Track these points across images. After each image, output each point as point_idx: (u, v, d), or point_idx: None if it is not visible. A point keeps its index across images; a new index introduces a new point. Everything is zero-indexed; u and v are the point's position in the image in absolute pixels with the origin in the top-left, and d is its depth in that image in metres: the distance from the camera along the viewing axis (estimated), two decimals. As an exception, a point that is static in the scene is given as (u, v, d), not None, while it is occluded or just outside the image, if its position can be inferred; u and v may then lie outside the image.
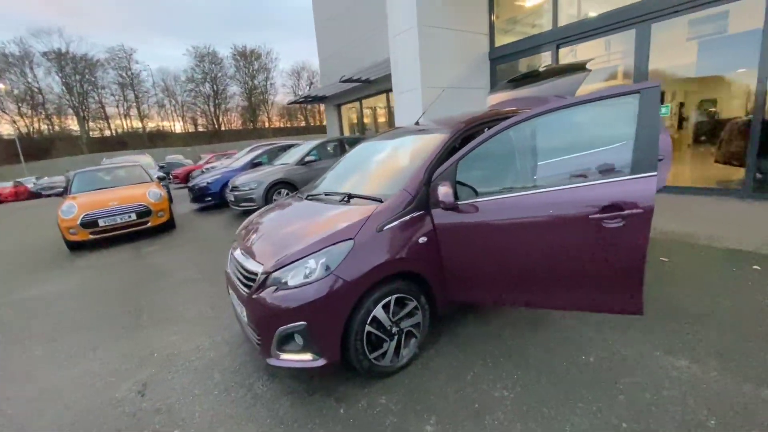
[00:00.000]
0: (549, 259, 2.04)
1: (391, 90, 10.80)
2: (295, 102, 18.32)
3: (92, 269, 5.06)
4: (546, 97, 3.73)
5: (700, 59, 5.65)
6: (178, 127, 52.24)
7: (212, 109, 52.38)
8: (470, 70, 7.53)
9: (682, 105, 6.40)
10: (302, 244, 2.08)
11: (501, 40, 7.64)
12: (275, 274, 2.04)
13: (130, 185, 7.12)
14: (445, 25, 6.92)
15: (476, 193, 2.20)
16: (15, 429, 2.12)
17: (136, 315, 3.45)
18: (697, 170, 6.26)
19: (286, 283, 1.99)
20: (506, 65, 7.67)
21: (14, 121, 39.69)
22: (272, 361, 2.06)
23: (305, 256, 2.01)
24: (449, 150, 2.46)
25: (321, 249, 2.01)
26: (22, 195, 21.85)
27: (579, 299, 2.06)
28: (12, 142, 33.26)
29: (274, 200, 7.02)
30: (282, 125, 55.89)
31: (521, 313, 2.76)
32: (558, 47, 6.72)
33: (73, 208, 5.92)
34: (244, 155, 10.74)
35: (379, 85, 11.13)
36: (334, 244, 2.02)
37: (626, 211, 1.81)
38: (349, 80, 10.67)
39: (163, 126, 51.01)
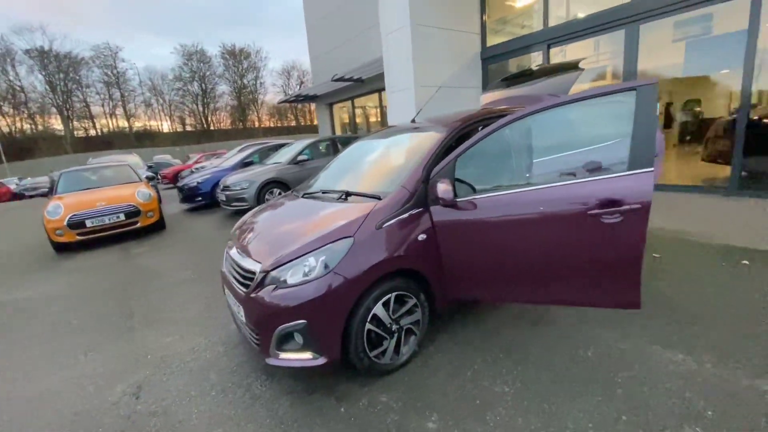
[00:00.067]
0: (548, 255, 2.06)
1: (382, 89, 10.82)
2: (285, 101, 18.18)
3: (80, 271, 4.94)
4: (539, 95, 3.76)
5: (687, 60, 5.77)
6: (165, 126, 51.55)
7: (201, 109, 51.80)
8: (462, 70, 7.57)
9: (669, 105, 6.53)
10: (301, 242, 2.06)
11: (492, 40, 7.69)
12: (274, 273, 2.01)
13: (118, 185, 6.97)
14: (437, 24, 6.94)
15: (474, 191, 2.21)
16: (4, 435, 2.06)
17: (128, 317, 3.38)
18: (684, 169, 6.39)
19: (285, 281, 1.97)
20: (498, 65, 7.72)
21: (-5, 121, 38.65)
22: (271, 361, 2.03)
23: (304, 254, 1.99)
24: (446, 148, 2.46)
25: (321, 247, 1.99)
26: (4, 196, 21.22)
27: (578, 294, 2.08)
28: (-7, 142, 32.34)
29: (267, 200, 6.96)
30: (272, 125, 55.51)
31: (519, 310, 2.77)
32: (549, 47, 6.79)
33: (59, 209, 5.78)
34: (234, 155, 10.62)
35: (371, 84, 11.11)
36: (333, 241, 2.00)
37: (624, 207, 1.83)
38: (341, 79, 10.63)
39: (150, 125, 50.27)
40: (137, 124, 48.95)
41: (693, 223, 4.16)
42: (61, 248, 5.98)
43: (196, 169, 12.23)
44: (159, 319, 3.28)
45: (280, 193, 7.12)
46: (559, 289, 2.10)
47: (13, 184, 22.98)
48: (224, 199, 7.33)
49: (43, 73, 40.00)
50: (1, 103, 39.02)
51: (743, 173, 5.08)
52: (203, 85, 50.79)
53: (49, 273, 5.02)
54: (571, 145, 2.10)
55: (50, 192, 6.90)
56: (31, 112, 40.80)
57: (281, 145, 9.39)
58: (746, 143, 4.92)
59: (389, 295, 2.10)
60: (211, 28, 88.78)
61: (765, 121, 4.97)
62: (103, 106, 45.65)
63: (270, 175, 7.22)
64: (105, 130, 46.52)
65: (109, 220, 6.01)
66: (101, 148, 36.64)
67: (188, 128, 51.45)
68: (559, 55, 6.84)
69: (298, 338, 1.96)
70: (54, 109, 41.91)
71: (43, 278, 4.81)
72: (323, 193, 2.77)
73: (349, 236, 2.02)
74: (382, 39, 7.28)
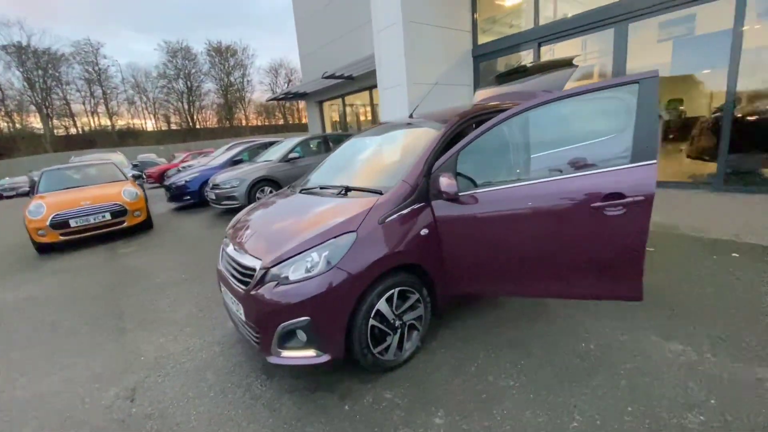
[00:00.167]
0: (551, 249, 2.06)
1: (373, 87, 10.78)
2: (274, 98, 17.94)
3: (66, 272, 4.78)
4: (534, 92, 3.78)
5: (674, 59, 5.88)
6: (149, 125, 50.37)
7: (186, 107, 50.74)
8: (454, 67, 7.58)
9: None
10: (302, 238, 2.01)
11: (484, 38, 7.72)
12: (274, 269, 1.96)
13: (103, 184, 6.78)
14: (429, 22, 6.92)
15: (475, 185, 2.20)
16: (-10, 442, 1.97)
17: (118, 318, 3.28)
18: (672, 165, 6.52)
19: (287, 277, 1.92)
20: (489, 63, 7.76)
21: (-30, 119, 37.23)
22: (273, 359, 1.98)
23: (306, 250, 1.95)
24: (447, 142, 2.44)
25: (323, 242, 1.95)
26: (-21, 197, 20.50)
27: (582, 287, 2.09)
28: (-33, 141, 31.14)
29: (258, 198, 6.85)
30: (260, 123, 54.77)
31: (519, 304, 2.78)
32: (540, 45, 6.84)
33: (41, 208, 5.58)
34: (222, 153, 10.44)
35: (361, 81, 11.05)
36: (336, 236, 1.97)
37: (627, 199, 1.84)
38: (332, 76, 10.53)
39: (133, 124, 49.03)
40: (120, 123, 47.73)
41: (682, 217, 4.25)
42: (44, 249, 5.79)
43: (183, 167, 11.98)
44: (150, 319, 3.19)
45: (271, 192, 7.02)
46: (562, 283, 2.11)
47: (-11, 184, 22.17)
48: (213, 197, 7.19)
49: (21, 69, 38.61)
50: (-24, 101, 37.62)
51: (728, 169, 5.21)
52: (188, 82, 49.79)
53: (32, 274, 4.84)
54: (574, 139, 2.10)
55: (31, 191, 6.66)
56: (9, 109, 39.32)
57: (271, 143, 9.27)
58: (732, 140, 5.05)
59: (392, 291, 2.08)
60: (195, 25, 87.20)
61: (749, 118, 5.11)
62: (84, 103, 44.34)
63: (261, 173, 7.11)
64: (86, 128, 45.17)
65: (95, 219, 5.83)
66: (83, 146, 35.54)
67: (173, 127, 50.41)
68: (548, 54, 6.90)
69: (301, 335, 1.92)
70: (33, 107, 40.52)
71: (25, 279, 4.63)
72: (321, 188, 2.73)
73: (352, 231, 1.98)
74: (374, 35, 7.23)
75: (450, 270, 2.28)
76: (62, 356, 2.74)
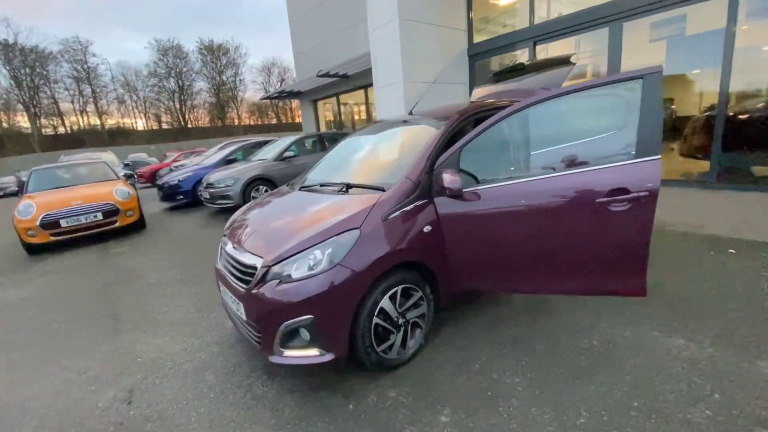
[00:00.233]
0: (555, 245, 2.05)
1: (368, 85, 10.75)
2: (268, 97, 17.78)
3: (57, 273, 4.68)
4: (532, 90, 3.78)
5: (668, 58, 5.93)
6: (140, 124, 49.65)
7: (178, 106, 50.10)
8: (450, 66, 7.57)
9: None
10: (304, 235, 1.98)
11: (479, 37, 7.73)
12: (276, 267, 1.93)
13: (95, 183, 6.66)
14: (425, 20, 6.91)
15: (477, 182, 2.19)
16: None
17: (113, 319, 3.21)
18: (664, 163, 6.58)
19: (289, 275, 1.89)
20: (484, 61, 7.77)
21: (-46, 118, 36.38)
22: (275, 359, 1.95)
23: (309, 247, 1.92)
24: (448, 139, 2.42)
25: (326, 239, 1.92)
26: (-35, 197, 20.03)
27: (586, 283, 2.08)
28: (-48, 140, 30.43)
29: (253, 197, 6.78)
30: (252, 122, 54.34)
31: (520, 301, 2.78)
32: (535, 44, 6.86)
33: (30, 208, 5.46)
34: (215, 152, 10.32)
35: (356, 80, 11.00)
36: (339, 233, 1.94)
37: (632, 195, 1.84)
38: (326, 75, 10.46)
39: (123, 123, 48.26)
40: (110, 122, 46.93)
41: (677, 214, 4.29)
42: (34, 249, 5.66)
43: (175, 167, 11.83)
44: (146, 320, 3.13)
45: (266, 191, 6.96)
46: (567, 279, 2.11)
47: (-25, 184, 21.68)
48: (207, 197, 7.10)
49: (8, 67, 37.77)
50: (-39, 100, 36.79)
51: (721, 167, 5.27)
52: (180, 81, 49.13)
53: (22, 275, 4.73)
54: (577, 134, 2.10)
55: (20, 191, 6.52)
56: (-5, 109, 38.58)
57: (265, 142, 9.19)
58: (724, 139, 5.11)
59: (396, 288, 2.05)
60: (187, 24, 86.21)
61: (741, 117, 5.17)
62: (72, 102, 43.49)
63: (255, 171, 7.03)
64: (75, 127, 44.32)
65: (86, 219, 5.72)
66: (72, 146, 34.90)
67: (164, 126, 49.69)
68: (542, 53, 6.93)
69: (305, 334, 1.88)
70: (20, 106, 39.72)
71: (15, 280, 4.53)
72: (322, 186, 2.70)
73: (356, 228, 1.95)
74: (369, 34, 7.20)
75: (453, 267, 2.26)
76: (56, 358, 2.67)
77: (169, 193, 8.45)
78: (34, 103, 40.20)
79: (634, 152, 1.86)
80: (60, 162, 9.13)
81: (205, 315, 3.10)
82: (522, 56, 7.16)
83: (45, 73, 40.18)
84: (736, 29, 4.80)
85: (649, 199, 1.82)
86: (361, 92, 11.88)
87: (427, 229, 2.16)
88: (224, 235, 2.59)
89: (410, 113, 3.22)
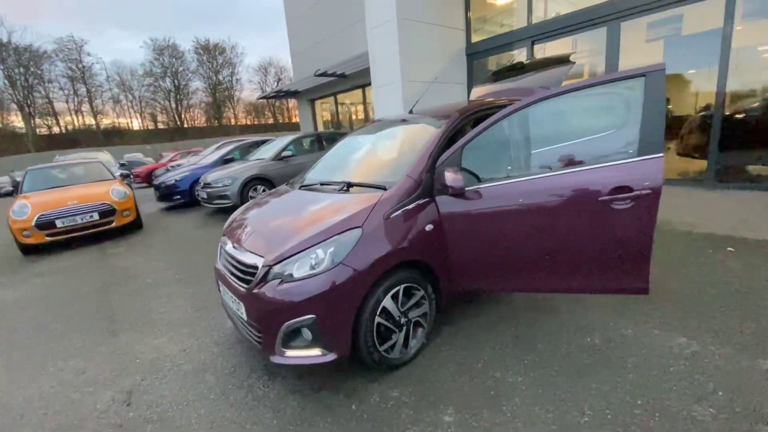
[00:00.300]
0: (557, 243, 2.05)
1: (366, 85, 10.75)
2: (266, 97, 17.73)
3: (53, 273, 4.63)
4: (531, 89, 3.78)
5: (666, 58, 5.95)
6: (136, 124, 49.27)
7: (174, 105, 49.75)
8: (448, 65, 7.57)
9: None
10: (306, 234, 1.96)
11: (477, 36, 7.74)
12: (277, 267, 1.91)
13: (91, 183, 6.61)
14: (423, 19, 6.90)
15: (479, 180, 2.18)
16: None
17: (110, 320, 3.17)
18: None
19: (290, 275, 1.87)
20: (482, 61, 7.77)
21: (-53, 117, 35.94)
22: (276, 359, 1.93)
23: (311, 246, 1.90)
24: (449, 137, 2.42)
25: (328, 238, 1.90)
26: (-42, 198, 19.78)
27: (589, 282, 2.08)
28: (-56, 140, 30.06)
29: (251, 197, 6.75)
30: (249, 122, 54.07)
31: (519, 300, 2.77)
32: (533, 44, 6.88)
33: (26, 208, 5.40)
34: (212, 152, 10.27)
35: (354, 80, 10.98)
36: (341, 232, 1.92)
37: (635, 192, 1.84)
38: (324, 74, 10.44)
39: (119, 123, 47.79)
40: (105, 122, 46.40)
41: (675, 213, 4.30)
42: (30, 250, 5.61)
43: (172, 167, 11.76)
44: (144, 321, 3.10)
45: (264, 190, 6.93)
46: (569, 277, 2.10)
47: (-32, 184, 21.42)
48: (205, 196, 7.06)
49: (1, 67, 37.41)
50: (-46, 99, 36.38)
51: (719, 166, 5.30)
52: (176, 81, 48.77)
53: (17, 276, 4.68)
54: (580, 132, 2.09)
55: (15, 191, 6.45)
56: (-12, 108, 38.15)
57: (262, 142, 9.15)
58: (722, 138, 5.14)
59: (398, 287, 2.04)
60: (183, 23, 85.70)
61: (738, 116, 5.20)
62: (67, 102, 43.04)
63: (253, 171, 7.00)
64: (70, 127, 43.86)
65: (82, 219, 5.67)
66: (66, 146, 34.56)
67: (160, 126, 49.31)
68: (539, 53, 6.94)
69: (307, 334, 1.87)
70: (14, 105, 39.30)
71: (11, 281, 4.48)
72: (322, 184, 2.68)
73: (358, 227, 1.94)
74: (368, 33, 7.18)
75: (455, 266, 2.25)
76: (52, 359, 2.64)
77: (165, 193, 8.40)
78: (29, 102, 39.79)
79: (637, 150, 1.86)
80: (55, 162, 9.05)
81: (203, 315, 3.08)
82: (520, 56, 7.17)
83: (39, 72, 39.77)
84: (732, 29, 4.82)
85: (652, 196, 1.82)
86: (359, 92, 11.86)
87: (428, 227, 2.15)
88: (224, 235, 2.57)
89: (410, 112, 3.20)
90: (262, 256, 2.00)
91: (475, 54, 7.75)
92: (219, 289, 2.47)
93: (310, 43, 12.94)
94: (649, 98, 1.83)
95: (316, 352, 1.88)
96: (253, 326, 2.01)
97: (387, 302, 2.00)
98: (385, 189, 2.19)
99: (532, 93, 3.51)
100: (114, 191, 6.10)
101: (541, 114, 2.14)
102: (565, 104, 2.10)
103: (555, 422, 1.68)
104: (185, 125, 50.06)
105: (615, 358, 2.05)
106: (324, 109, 14.69)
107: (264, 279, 1.93)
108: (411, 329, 2.17)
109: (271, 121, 54.43)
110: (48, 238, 5.45)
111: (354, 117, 13.43)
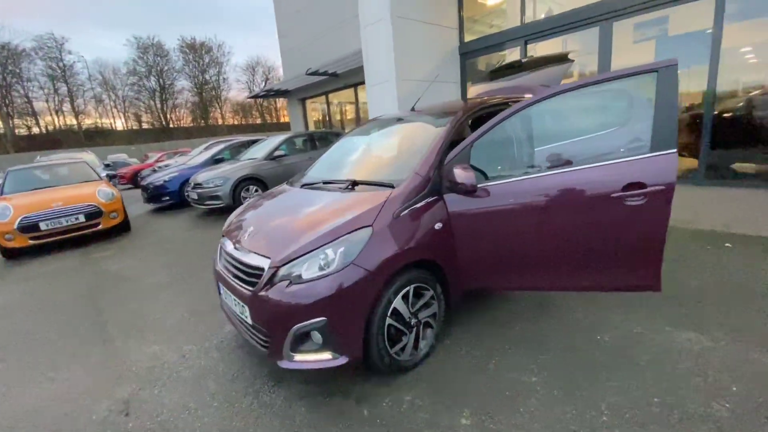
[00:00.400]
0: (569, 241, 2.02)
1: (358, 84, 10.67)
2: (255, 96, 17.47)
3: (38, 278, 4.44)
4: (530, 86, 3.77)
5: (657, 58, 6.04)
6: (119, 124, 48.12)
7: (159, 105, 48.75)
8: (441, 64, 7.55)
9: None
10: (314, 234, 1.89)
11: (470, 36, 7.74)
12: (285, 268, 1.84)
13: (76, 184, 6.38)
14: (416, 18, 6.87)
15: (486, 177, 2.14)
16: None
17: (102, 326, 3.04)
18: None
19: (299, 276, 1.80)
20: (475, 60, 7.78)
21: None
22: (284, 364, 1.86)
23: (320, 247, 1.83)
24: (455, 134, 2.38)
25: (338, 238, 1.84)
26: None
27: (601, 279, 2.06)
28: None
29: (243, 198, 6.62)
30: (237, 122, 53.37)
31: (529, 299, 2.75)
32: (526, 43, 6.90)
33: (7, 211, 5.18)
34: (200, 152, 10.07)
35: (346, 79, 10.88)
36: (351, 231, 1.86)
37: (648, 189, 1.82)
38: (315, 73, 10.32)
39: (101, 123, 46.60)
40: (87, 122, 45.14)
41: (673, 211, 4.34)
42: (12, 254, 5.39)
43: (159, 167, 11.49)
44: (137, 327, 2.98)
45: (256, 191, 6.80)
46: (581, 275, 2.08)
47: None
48: (195, 197, 6.89)
49: (-23, 65, 36.18)
50: (-74, 99, 34.91)
51: (709, 164, 5.39)
52: (161, 80, 47.77)
53: (0, 282, 4.47)
54: (591, 129, 2.07)
55: (-5, 193, 6.18)
56: (-37, 108, 36.77)
57: (253, 141, 9.00)
58: (712, 136, 5.23)
59: (408, 288, 1.99)
60: (167, 22, 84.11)
61: (727, 115, 5.30)
62: (47, 101, 41.69)
63: (245, 171, 6.86)
64: (51, 127, 42.58)
65: (67, 221, 5.46)
66: (47, 147, 33.47)
67: (145, 126, 48.22)
68: (531, 52, 6.97)
69: (316, 337, 1.80)
70: (-9, 105, 37.98)
71: (-8, 288, 4.28)
72: (324, 183, 2.61)
73: (368, 226, 1.88)
74: (361, 31, 7.11)
75: (464, 265, 2.21)
76: (42, 369, 2.51)
77: (154, 194, 8.19)
78: (7, 102, 38.46)
79: (649, 146, 1.84)
80: (36, 162, 8.74)
81: (200, 319, 2.97)
82: (512, 55, 7.20)
83: (18, 71, 38.46)
84: (722, 29, 4.91)
85: (665, 192, 1.80)
86: (351, 91, 11.77)
87: (438, 226, 2.11)
88: (223, 236, 2.48)
89: (412, 109, 3.15)
90: (267, 257, 1.92)
91: (468, 53, 7.75)
92: (219, 292, 2.38)
93: (301, 42, 12.79)
94: (662, 94, 1.82)
95: (326, 355, 1.82)
96: (258, 330, 1.94)
97: (398, 303, 1.95)
98: (392, 187, 2.14)
99: (530, 91, 3.51)
100: (101, 192, 5.90)
101: (551, 110, 2.12)
102: (575, 101, 2.07)
103: (574, 422, 1.65)
104: (171, 125, 49.10)
105: (628, 355, 2.04)
106: (315, 109, 14.54)
107: (271, 281, 1.86)
108: (421, 330, 2.12)
109: (259, 121, 53.82)
110: (31, 242, 5.24)
111: (345, 117, 13.33)
